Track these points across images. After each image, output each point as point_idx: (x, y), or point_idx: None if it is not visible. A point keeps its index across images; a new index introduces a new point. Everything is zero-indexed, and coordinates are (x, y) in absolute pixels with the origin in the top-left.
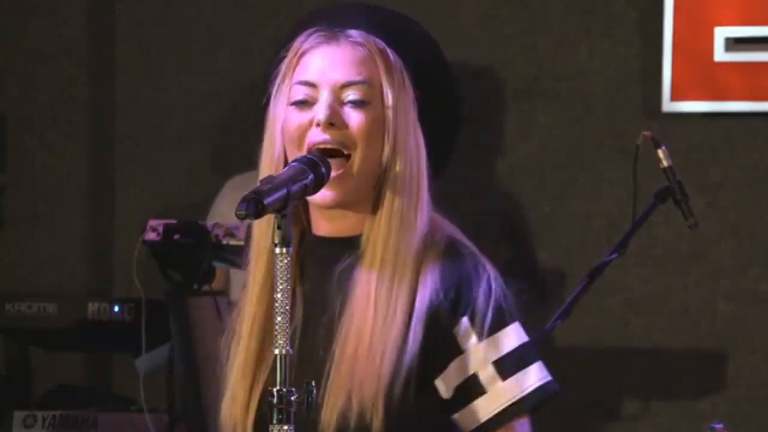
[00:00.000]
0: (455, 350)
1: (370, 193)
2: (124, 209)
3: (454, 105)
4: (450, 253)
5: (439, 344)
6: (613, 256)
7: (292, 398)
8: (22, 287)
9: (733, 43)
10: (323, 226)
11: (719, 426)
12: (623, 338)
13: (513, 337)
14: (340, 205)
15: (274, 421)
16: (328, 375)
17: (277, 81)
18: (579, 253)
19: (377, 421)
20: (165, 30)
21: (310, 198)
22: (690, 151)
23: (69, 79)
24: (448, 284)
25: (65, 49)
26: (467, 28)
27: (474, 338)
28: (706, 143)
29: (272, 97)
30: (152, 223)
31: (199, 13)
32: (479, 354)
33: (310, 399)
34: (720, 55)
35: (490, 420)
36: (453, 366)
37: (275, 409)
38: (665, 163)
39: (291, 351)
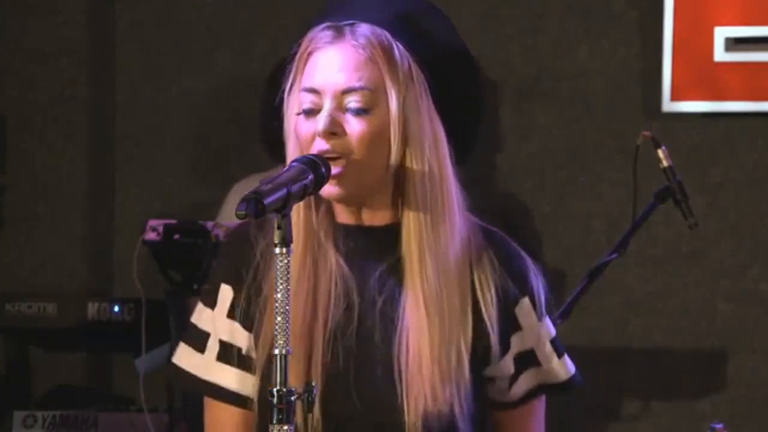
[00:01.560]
0: (515, 327)
1: (387, 189)
2: (124, 209)
3: (474, 90)
4: (492, 237)
5: (504, 322)
6: (613, 256)
7: (292, 398)
8: (22, 287)
9: (733, 43)
10: (350, 214)
11: (719, 426)
12: (623, 338)
13: (552, 323)
14: (349, 200)
15: (274, 421)
16: (402, 382)
17: (289, 79)
18: (579, 253)
19: (461, 419)
20: (165, 30)
21: (321, 193)
22: (690, 151)
23: (69, 79)
24: (505, 265)
25: (65, 49)
26: (467, 28)
27: (534, 317)
28: (706, 143)
29: (285, 95)
30: (152, 223)
31: (199, 13)
32: (537, 332)
33: (310, 398)
34: (720, 55)
35: (537, 387)
36: (513, 340)
37: (275, 409)
38: (665, 163)
39: (290, 351)
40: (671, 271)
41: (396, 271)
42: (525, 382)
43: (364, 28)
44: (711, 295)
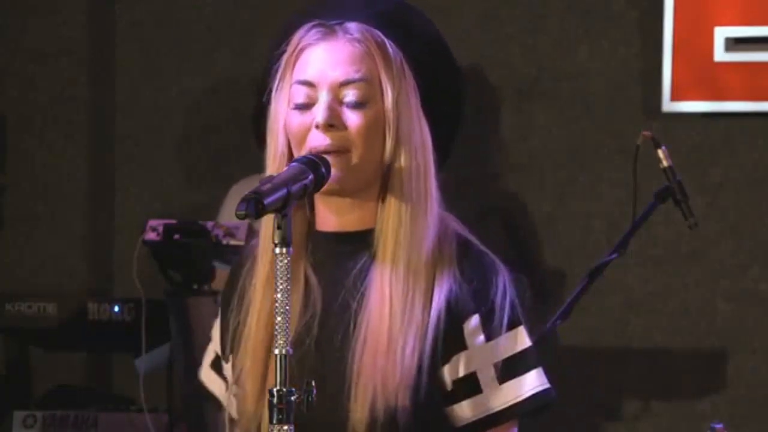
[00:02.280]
0: (460, 345)
1: (376, 186)
2: (124, 209)
3: (456, 90)
4: (465, 249)
5: (449, 335)
6: (613, 256)
7: (292, 398)
8: (22, 287)
9: (733, 43)
10: (331, 220)
11: (719, 426)
12: (623, 338)
13: (517, 341)
14: (343, 189)
15: (274, 421)
16: (353, 374)
17: (278, 77)
18: (579, 253)
19: (404, 415)
20: (165, 30)
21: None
22: (690, 151)
23: (69, 79)
24: (467, 278)
25: (65, 49)
26: (467, 28)
27: (481, 337)
28: (706, 143)
29: (273, 93)
30: (152, 223)
31: (199, 13)
32: (482, 354)
33: (310, 399)
34: (720, 55)
35: (479, 420)
36: (456, 359)
37: (275, 409)
38: (665, 163)
39: (291, 351)
40: (671, 271)
41: (369, 269)
42: (467, 411)
43: (354, 25)
44: (711, 295)
